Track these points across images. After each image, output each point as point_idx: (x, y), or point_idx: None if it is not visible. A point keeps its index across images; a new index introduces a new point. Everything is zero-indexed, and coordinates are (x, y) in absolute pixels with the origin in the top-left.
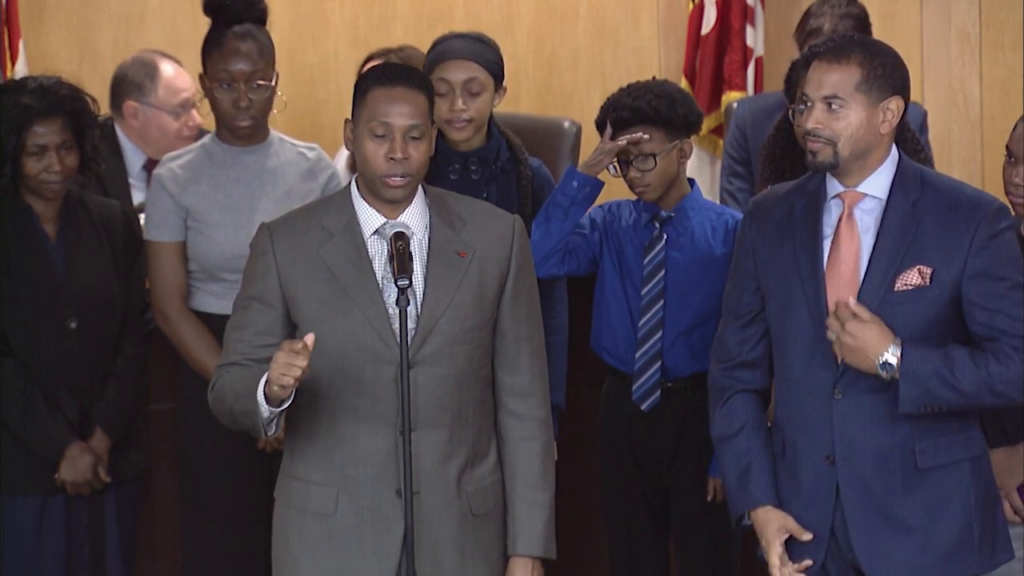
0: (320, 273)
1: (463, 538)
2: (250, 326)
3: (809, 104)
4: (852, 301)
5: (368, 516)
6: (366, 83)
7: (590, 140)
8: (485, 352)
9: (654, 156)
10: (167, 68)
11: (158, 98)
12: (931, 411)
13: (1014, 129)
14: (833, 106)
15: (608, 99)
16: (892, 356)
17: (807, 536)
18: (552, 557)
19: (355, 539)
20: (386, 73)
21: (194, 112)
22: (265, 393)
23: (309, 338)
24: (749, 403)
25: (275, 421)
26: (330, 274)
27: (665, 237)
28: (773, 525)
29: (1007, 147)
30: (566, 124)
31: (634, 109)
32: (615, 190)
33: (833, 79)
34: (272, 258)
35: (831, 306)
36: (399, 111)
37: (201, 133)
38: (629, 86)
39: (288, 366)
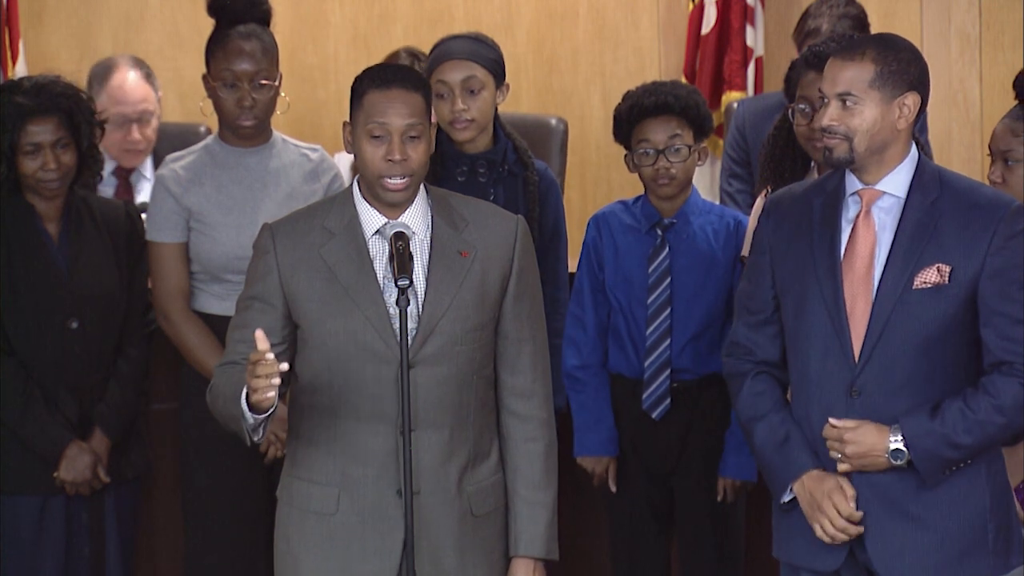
0: (321, 273)
1: (463, 538)
2: (250, 326)
3: (825, 101)
4: (831, 420)
5: (369, 516)
6: (362, 86)
7: (587, 139)
8: (487, 352)
9: (688, 148)
10: (122, 76)
11: (100, 103)
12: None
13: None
14: (848, 103)
15: (636, 89)
16: (897, 443)
17: (852, 492)
18: (554, 558)
19: (356, 539)
20: (381, 75)
21: (135, 130)
22: (250, 401)
23: (261, 344)
24: (774, 385)
25: (261, 427)
26: (331, 274)
27: (668, 245)
28: (829, 482)
29: (988, 145)
30: (553, 122)
31: (677, 97)
32: (613, 192)
33: (847, 76)
34: (274, 258)
35: (847, 301)
36: (396, 112)
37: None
38: (655, 83)
39: (256, 381)
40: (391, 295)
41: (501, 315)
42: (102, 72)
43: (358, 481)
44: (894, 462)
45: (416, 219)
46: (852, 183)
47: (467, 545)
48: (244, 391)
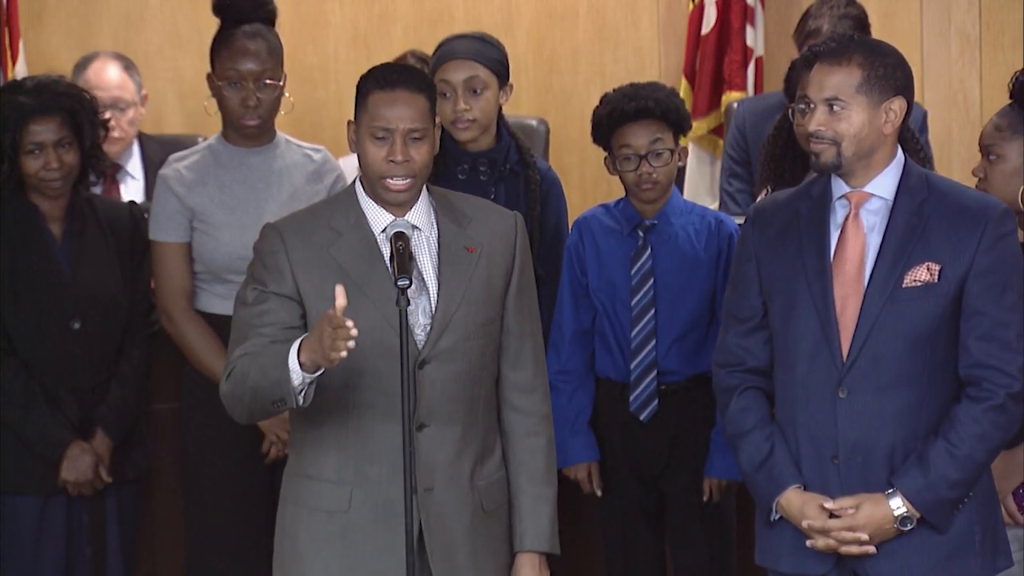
0: (333, 272)
1: (475, 534)
2: (270, 313)
3: (811, 106)
4: (827, 504)
5: (381, 513)
6: (366, 86)
7: (587, 139)
8: (494, 348)
9: (671, 152)
10: (100, 65)
11: None
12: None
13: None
14: (835, 108)
15: (614, 93)
16: (900, 510)
17: (840, 503)
18: (557, 553)
19: (369, 536)
20: (386, 76)
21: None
22: (300, 361)
23: (340, 299)
24: (761, 400)
25: (304, 392)
26: (343, 273)
27: (650, 247)
28: (813, 504)
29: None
30: (534, 123)
31: (657, 101)
32: (613, 193)
33: (834, 81)
34: (284, 257)
35: (837, 302)
36: (399, 114)
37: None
38: (633, 85)
39: (335, 341)
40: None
41: (504, 311)
42: (83, 63)
43: (372, 478)
44: (904, 528)
45: (421, 217)
46: (839, 187)
47: (479, 541)
48: (295, 351)
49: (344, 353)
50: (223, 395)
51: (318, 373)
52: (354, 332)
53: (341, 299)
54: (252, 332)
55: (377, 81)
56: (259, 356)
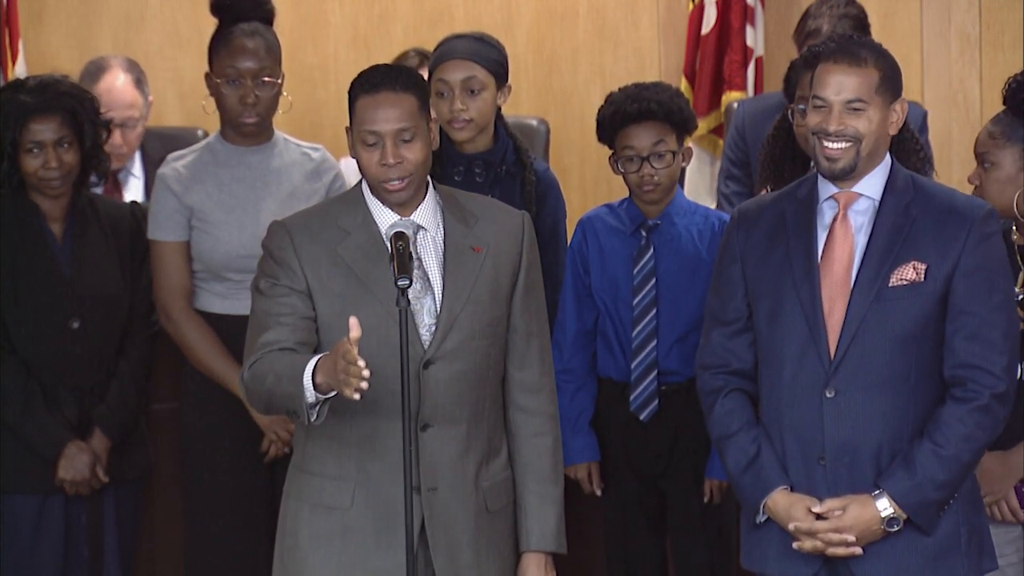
0: (341, 270)
1: (479, 534)
2: (288, 304)
3: (823, 107)
4: (816, 507)
5: (383, 511)
6: (354, 92)
7: (588, 139)
8: (500, 347)
9: (673, 154)
10: (112, 79)
11: None
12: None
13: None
14: (856, 109)
15: (618, 92)
16: (888, 510)
17: (827, 505)
18: (564, 552)
19: (370, 534)
20: (370, 80)
21: (117, 135)
22: (314, 380)
23: (354, 331)
24: (746, 402)
25: (318, 408)
26: (350, 271)
27: (653, 247)
28: (800, 505)
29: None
30: (534, 123)
31: (660, 103)
32: (613, 193)
33: (854, 83)
34: (293, 254)
35: (825, 303)
36: (385, 117)
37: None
38: (638, 85)
39: (348, 378)
40: (412, 291)
41: (511, 310)
42: (94, 71)
43: (375, 476)
44: (891, 529)
45: (427, 216)
46: (826, 188)
47: (482, 541)
48: (309, 370)
49: (358, 396)
50: (244, 384)
51: (332, 394)
52: (366, 373)
53: (355, 331)
54: (272, 321)
55: (362, 86)
56: (277, 361)
